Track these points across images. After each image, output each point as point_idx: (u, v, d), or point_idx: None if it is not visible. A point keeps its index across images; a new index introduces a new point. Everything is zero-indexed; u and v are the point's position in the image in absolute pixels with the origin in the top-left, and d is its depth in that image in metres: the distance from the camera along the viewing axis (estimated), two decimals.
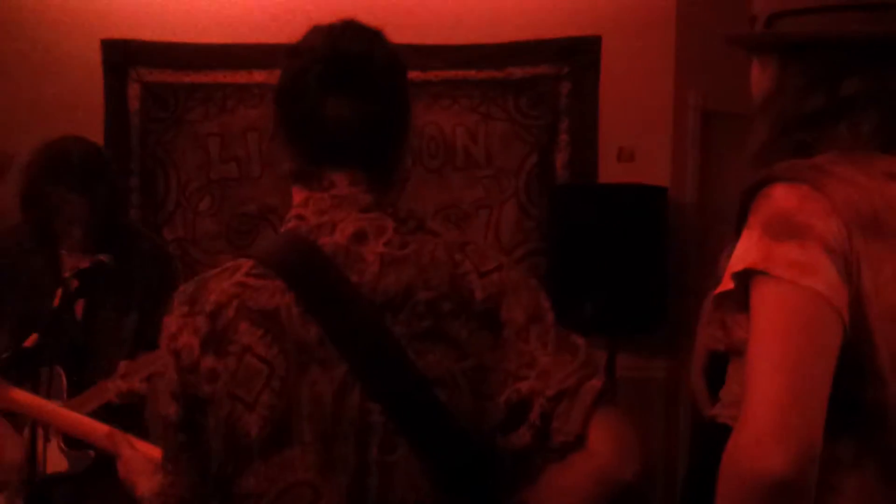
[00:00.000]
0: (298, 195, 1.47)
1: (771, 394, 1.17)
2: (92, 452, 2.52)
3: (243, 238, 4.42)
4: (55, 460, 2.56)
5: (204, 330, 1.38)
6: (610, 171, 4.42)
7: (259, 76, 4.49)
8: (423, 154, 4.45)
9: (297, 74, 1.44)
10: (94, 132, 4.50)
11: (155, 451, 2.09)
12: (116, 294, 2.67)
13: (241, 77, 4.59)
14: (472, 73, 4.49)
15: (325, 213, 1.41)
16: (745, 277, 1.26)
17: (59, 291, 2.28)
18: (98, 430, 2.10)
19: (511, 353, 1.37)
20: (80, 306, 2.65)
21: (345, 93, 1.42)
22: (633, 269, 3.99)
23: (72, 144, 2.65)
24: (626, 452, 1.34)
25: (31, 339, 2.10)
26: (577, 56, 4.45)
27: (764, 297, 1.24)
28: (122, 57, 4.69)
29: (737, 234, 1.33)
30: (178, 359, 1.39)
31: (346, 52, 1.43)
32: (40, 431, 2.36)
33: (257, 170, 4.58)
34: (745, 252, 1.27)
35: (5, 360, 2.11)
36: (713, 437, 2.74)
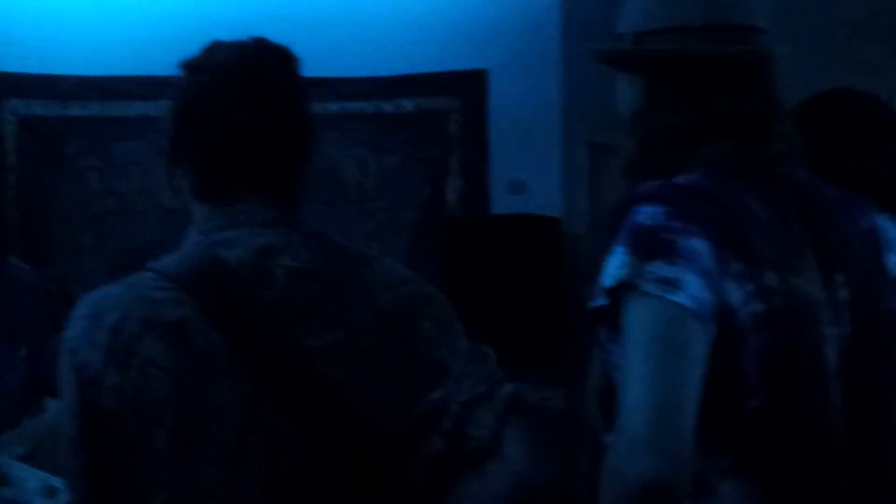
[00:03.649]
0: (200, 212, 1.44)
1: (642, 403, 1.22)
2: None
3: (126, 274, 4.27)
4: None
5: (106, 344, 1.35)
6: (502, 204, 4.46)
7: (139, 108, 4.39)
8: (314, 186, 4.41)
9: (205, 89, 1.42)
10: None
11: (44, 476, 2.09)
12: (7, 329, 2.61)
13: (120, 109, 4.49)
14: (362, 106, 4.49)
15: (230, 228, 1.40)
16: (617, 293, 1.31)
17: None
18: None
19: (422, 362, 1.39)
20: None
21: (255, 109, 1.41)
22: (528, 299, 4.01)
23: None
24: (541, 455, 1.37)
25: None
26: (465, 89, 4.51)
27: (634, 312, 1.28)
28: None
29: (609, 250, 1.37)
30: (80, 374, 1.36)
31: (258, 69, 1.43)
32: None
33: (140, 204, 4.48)
34: (616, 269, 1.31)
35: None
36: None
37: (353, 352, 1.36)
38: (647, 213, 1.33)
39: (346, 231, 4.36)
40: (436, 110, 4.52)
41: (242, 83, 1.42)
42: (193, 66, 1.46)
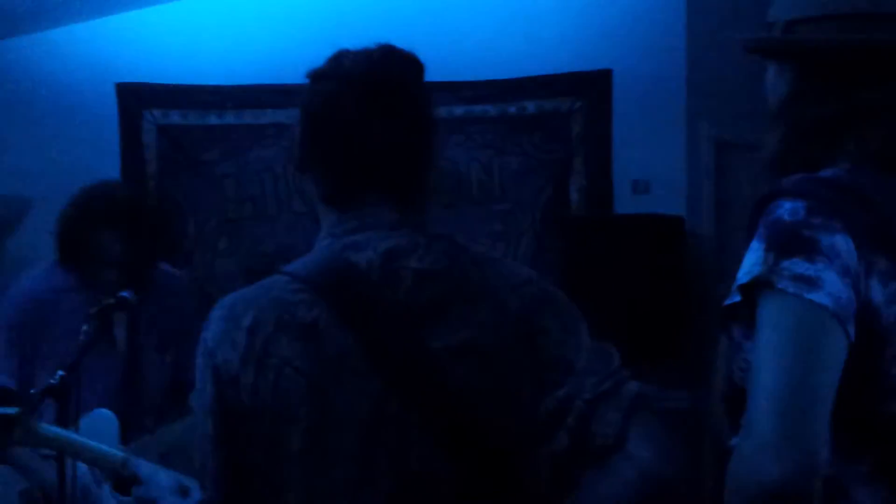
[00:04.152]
0: (329, 217, 1.47)
1: (771, 405, 1.17)
2: None
3: (260, 277, 4.38)
4: None
5: (243, 345, 1.37)
6: (625, 203, 4.43)
7: (271, 116, 4.54)
8: (439, 189, 4.46)
9: (332, 97, 1.45)
10: (111, 175, 4.55)
11: (175, 475, 2.14)
12: (155, 335, 2.68)
13: (254, 117, 4.64)
14: (485, 109, 4.52)
15: (358, 232, 1.42)
16: (752, 290, 1.26)
17: (85, 328, 2.30)
18: (114, 457, 2.12)
19: (547, 361, 1.37)
20: (123, 347, 2.68)
21: (382, 115, 1.43)
22: (652, 298, 3.98)
23: (112, 188, 2.71)
24: (668, 453, 1.33)
25: (59, 377, 2.13)
26: (589, 90, 4.49)
27: (769, 310, 1.24)
28: (137, 101, 4.74)
29: (746, 245, 1.33)
30: (217, 374, 1.38)
31: (384, 75, 1.44)
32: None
33: (273, 209, 4.61)
34: (752, 265, 1.27)
35: (36, 398, 2.14)
36: None
37: (478, 352, 1.35)
38: (787, 209, 1.29)
39: (471, 232, 4.41)
40: (559, 111, 4.51)
41: (369, 90, 1.43)
42: (321, 75, 1.48)
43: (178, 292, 2.82)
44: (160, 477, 2.13)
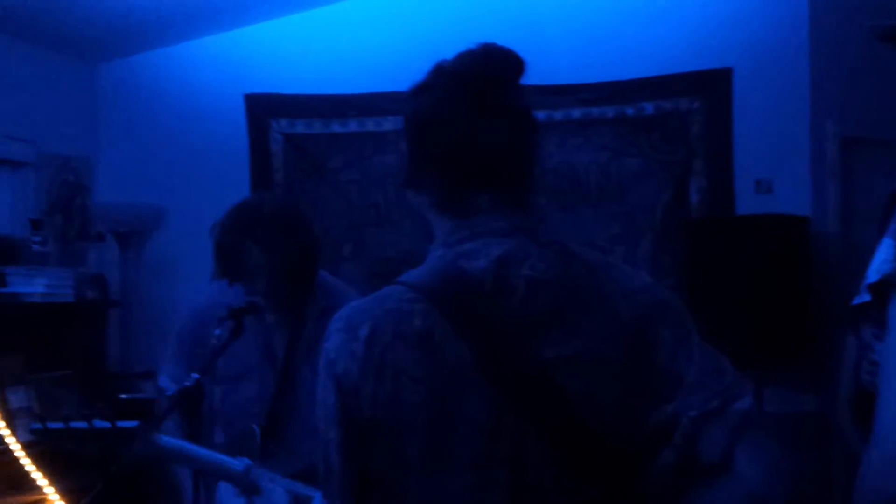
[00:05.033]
0: (442, 224, 1.48)
1: None
2: None
3: (383, 282, 4.43)
4: None
5: (361, 355, 1.39)
6: (747, 203, 4.35)
7: (392, 123, 4.60)
8: (557, 192, 4.47)
9: (438, 102, 1.46)
10: (240, 183, 4.70)
11: (294, 486, 2.17)
12: (317, 358, 2.66)
13: (376, 125, 4.72)
14: (603, 111, 4.50)
15: (471, 240, 1.43)
16: (882, 289, 1.22)
17: (217, 332, 2.37)
18: (236, 467, 2.16)
19: (658, 373, 1.36)
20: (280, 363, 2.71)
21: (489, 113, 1.43)
22: (776, 301, 3.88)
23: (263, 200, 2.71)
24: (776, 476, 1.31)
25: (194, 379, 2.20)
26: (708, 89, 4.42)
27: None
28: (264, 110, 4.88)
29: (877, 242, 1.28)
30: (339, 384, 1.40)
31: (487, 72, 1.45)
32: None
33: (396, 214, 4.68)
34: (882, 262, 1.23)
35: (171, 400, 2.22)
36: None
37: (591, 362, 1.34)
38: None
39: (590, 235, 4.41)
40: (678, 111, 4.45)
41: (474, 88, 1.44)
42: (423, 86, 1.49)
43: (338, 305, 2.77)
44: (277, 487, 2.17)
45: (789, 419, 4.05)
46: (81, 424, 2.18)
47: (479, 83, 1.44)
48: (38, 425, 2.24)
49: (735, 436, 1.31)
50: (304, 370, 2.64)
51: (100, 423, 2.17)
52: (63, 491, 2.95)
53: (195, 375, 2.21)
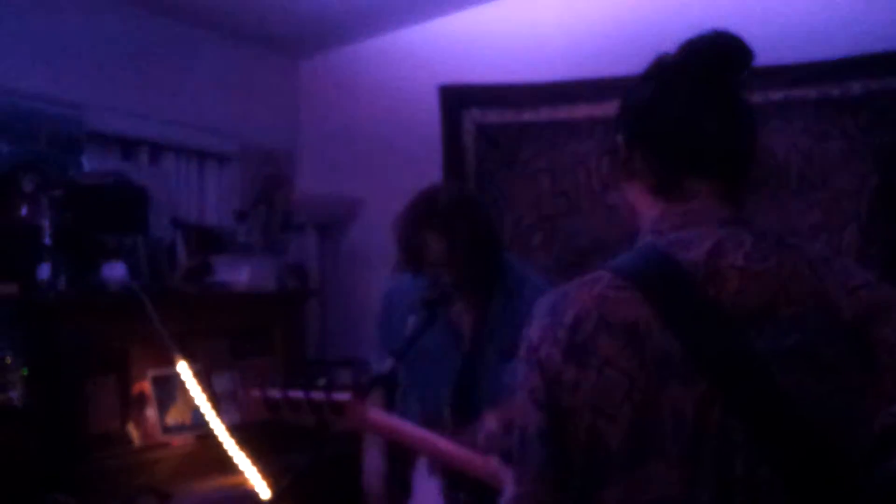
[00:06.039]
0: (654, 209, 1.47)
1: None
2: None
3: (573, 271, 4.37)
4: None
5: (564, 341, 1.39)
6: None
7: (585, 111, 4.55)
8: (756, 178, 4.31)
9: (670, 87, 1.46)
10: (433, 174, 4.77)
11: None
12: (500, 339, 2.69)
13: (568, 113, 4.67)
14: (806, 92, 4.31)
15: (683, 229, 1.42)
16: None
17: (411, 319, 2.44)
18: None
19: (884, 374, 1.30)
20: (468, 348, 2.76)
21: (721, 104, 1.43)
22: None
23: (439, 191, 2.78)
24: None
25: (388, 365, 2.28)
26: None
27: None
28: (458, 101, 4.93)
29: None
30: (542, 370, 1.40)
31: (727, 64, 1.45)
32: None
33: (587, 203, 4.62)
34: None
35: (366, 385, 2.31)
36: None
37: (808, 358, 1.30)
38: None
39: (791, 223, 4.24)
40: (888, 91, 4.20)
41: (703, 79, 1.44)
42: (645, 76, 1.50)
43: (530, 302, 2.78)
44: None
45: None
46: (298, 394, 2.27)
47: (710, 70, 1.43)
48: (257, 392, 2.36)
49: None
50: (489, 350, 2.69)
51: (314, 394, 2.26)
52: (265, 473, 3.09)
53: (391, 360, 2.28)
